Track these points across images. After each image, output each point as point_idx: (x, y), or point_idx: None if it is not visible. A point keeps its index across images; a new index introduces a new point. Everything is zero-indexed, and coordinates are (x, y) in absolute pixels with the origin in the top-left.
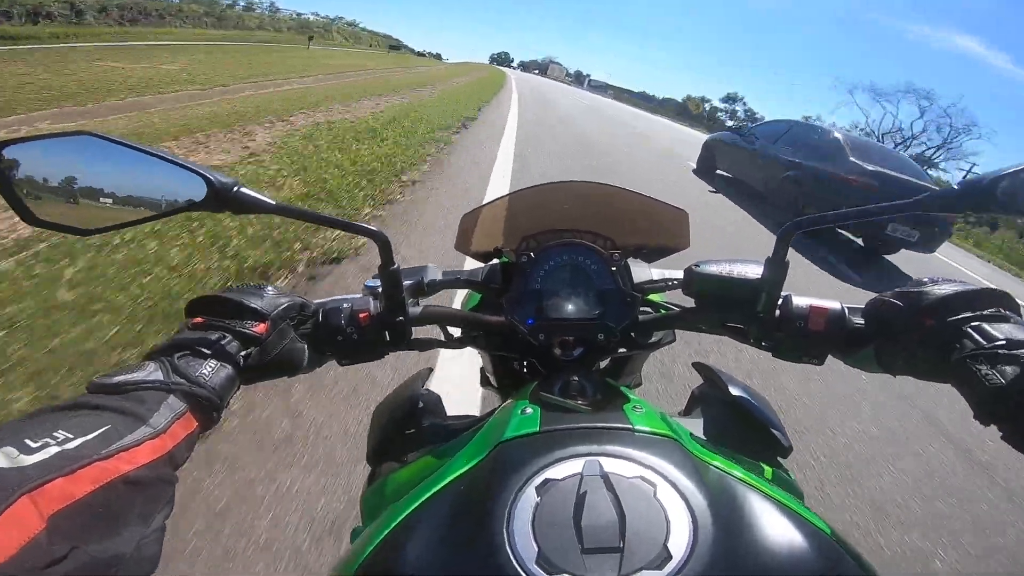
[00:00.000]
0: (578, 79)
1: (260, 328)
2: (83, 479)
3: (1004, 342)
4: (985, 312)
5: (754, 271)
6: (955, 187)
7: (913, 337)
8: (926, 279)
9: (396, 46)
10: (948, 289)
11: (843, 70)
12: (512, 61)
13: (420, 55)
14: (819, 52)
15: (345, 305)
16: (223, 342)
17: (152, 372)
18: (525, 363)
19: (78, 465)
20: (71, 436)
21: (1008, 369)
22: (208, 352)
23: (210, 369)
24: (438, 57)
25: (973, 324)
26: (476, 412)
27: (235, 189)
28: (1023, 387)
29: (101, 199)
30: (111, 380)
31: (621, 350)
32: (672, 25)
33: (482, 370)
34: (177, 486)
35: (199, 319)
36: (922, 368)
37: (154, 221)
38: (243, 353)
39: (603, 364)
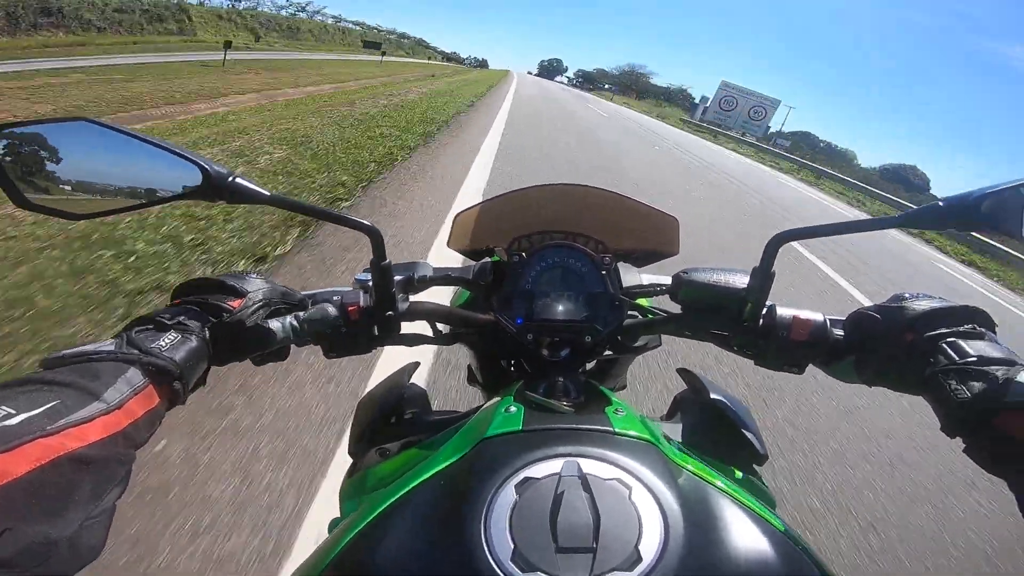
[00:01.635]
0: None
1: (234, 303)
2: (23, 457)
3: (975, 359)
4: (961, 328)
5: (740, 280)
6: (940, 203)
7: (891, 351)
8: (906, 294)
9: (374, 43)
10: (927, 305)
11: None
12: (564, 70)
13: (450, 59)
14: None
15: (335, 297)
16: (187, 314)
17: (106, 346)
18: (512, 361)
19: (18, 442)
20: (13, 412)
21: (975, 385)
22: (169, 324)
23: (169, 340)
24: (483, 64)
25: (948, 340)
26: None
27: (230, 179)
28: (986, 403)
29: (95, 184)
30: (60, 355)
31: (608, 352)
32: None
33: (469, 367)
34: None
35: (176, 301)
36: (898, 380)
37: (147, 208)
38: (209, 325)
39: (589, 366)
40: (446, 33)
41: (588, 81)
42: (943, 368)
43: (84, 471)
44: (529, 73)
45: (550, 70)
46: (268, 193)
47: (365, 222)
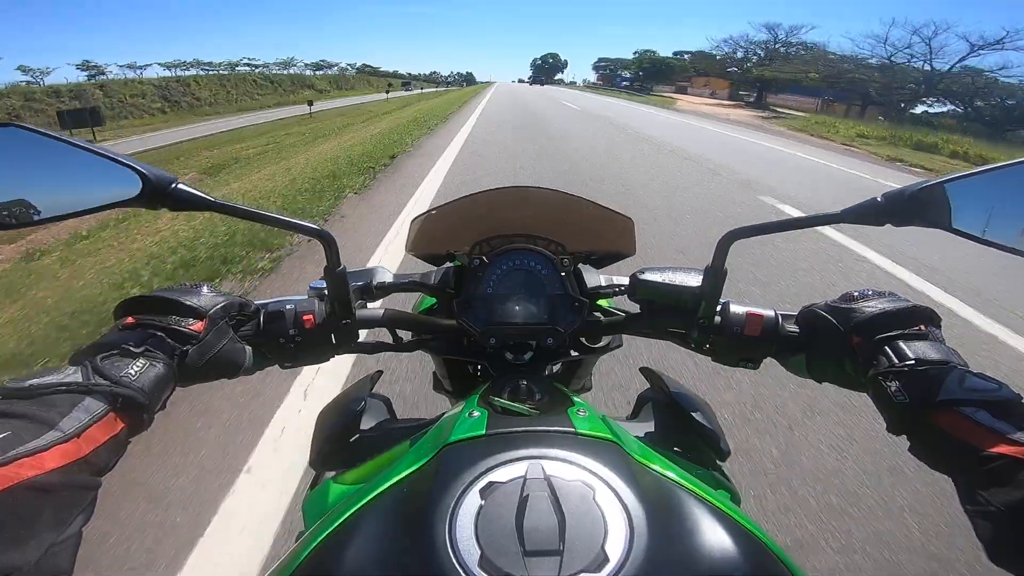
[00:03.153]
0: None
1: (197, 326)
2: None
3: (914, 361)
4: (907, 331)
5: (694, 279)
6: (878, 199)
7: (838, 352)
8: (855, 293)
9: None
10: (877, 307)
11: None
12: (564, 66)
13: (408, 84)
14: None
15: (288, 307)
16: (154, 341)
17: (71, 375)
18: (479, 366)
19: None
20: None
21: (914, 388)
22: (137, 351)
23: (138, 368)
24: (469, 80)
25: (892, 343)
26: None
27: (172, 186)
28: (922, 403)
29: (28, 193)
30: (22, 384)
31: (574, 353)
32: None
33: (434, 374)
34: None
35: (130, 320)
36: (845, 380)
37: (84, 216)
38: (179, 352)
39: (556, 368)
40: (430, 56)
41: (655, 71)
42: (884, 371)
43: (44, 499)
44: (520, 81)
45: (545, 70)
46: (213, 199)
47: (315, 227)
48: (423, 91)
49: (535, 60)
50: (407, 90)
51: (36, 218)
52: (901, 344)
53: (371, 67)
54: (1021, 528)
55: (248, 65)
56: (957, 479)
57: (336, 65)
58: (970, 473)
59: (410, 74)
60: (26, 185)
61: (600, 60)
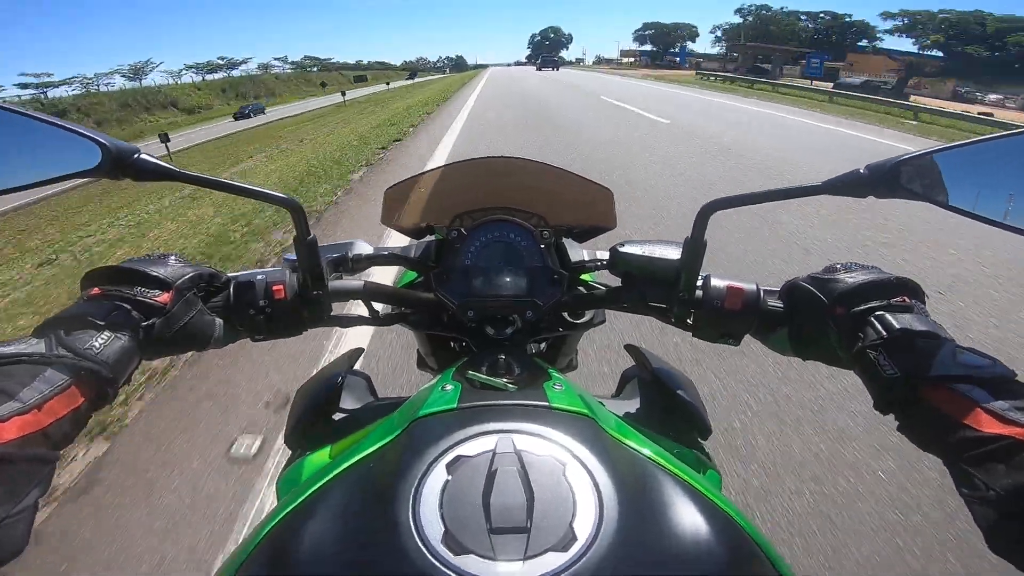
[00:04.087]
0: None
1: (164, 298)
2: None
3: (901, 333)
4: (891, 301)
5: (674, 252)
6: (862, 171)
7: (821, 325)
8: (838, 266)
9: None
10: (859, 278)
11: None
12: (568, 41)
13: (360, 79)
14: None
15: (259, 278)
16: (119, 313)
17: (33, 345)
18: (463, 343)
19: None
20: None
21: (903, 360)
22: (102, 323)
23: (102, 341)
24: (459, 66)
25: (877, 314)
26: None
27: (135, 156)
28: (912, 377)
29: None
30: None
31: (560, 328)
32: None
33: (418, 351)
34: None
35: (96, 291)
36: (830, 355)
37: (44, 186)
38: (144, 324)
39: (543, 346)
40: (420, 43)
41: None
42: (871, 343)
43: (1, 470)
44: (518, 64)
45: (546, 47)
46: (177, 170)
47: (282, 196)
48: (344, 99)
49: (534, 36)
50: (243, 113)
51: None
52: (887, 315)
53: (317, 59)
54: (1023, 514)
55: (21, 85)
56: (951, 461)
57: (244, 63)
58: (966, 455)
59: (384, 63)
60: None
61: (646, 26)
